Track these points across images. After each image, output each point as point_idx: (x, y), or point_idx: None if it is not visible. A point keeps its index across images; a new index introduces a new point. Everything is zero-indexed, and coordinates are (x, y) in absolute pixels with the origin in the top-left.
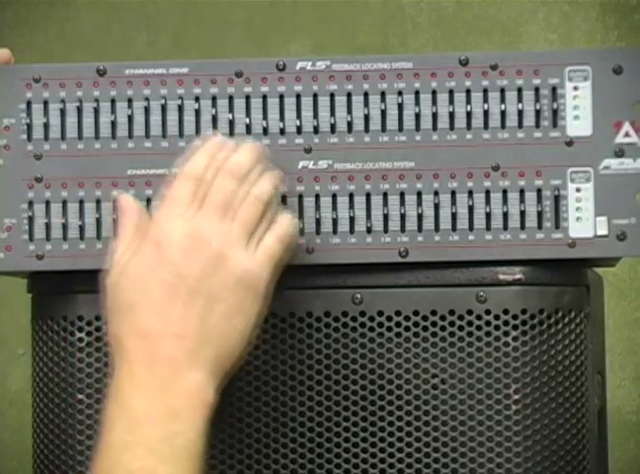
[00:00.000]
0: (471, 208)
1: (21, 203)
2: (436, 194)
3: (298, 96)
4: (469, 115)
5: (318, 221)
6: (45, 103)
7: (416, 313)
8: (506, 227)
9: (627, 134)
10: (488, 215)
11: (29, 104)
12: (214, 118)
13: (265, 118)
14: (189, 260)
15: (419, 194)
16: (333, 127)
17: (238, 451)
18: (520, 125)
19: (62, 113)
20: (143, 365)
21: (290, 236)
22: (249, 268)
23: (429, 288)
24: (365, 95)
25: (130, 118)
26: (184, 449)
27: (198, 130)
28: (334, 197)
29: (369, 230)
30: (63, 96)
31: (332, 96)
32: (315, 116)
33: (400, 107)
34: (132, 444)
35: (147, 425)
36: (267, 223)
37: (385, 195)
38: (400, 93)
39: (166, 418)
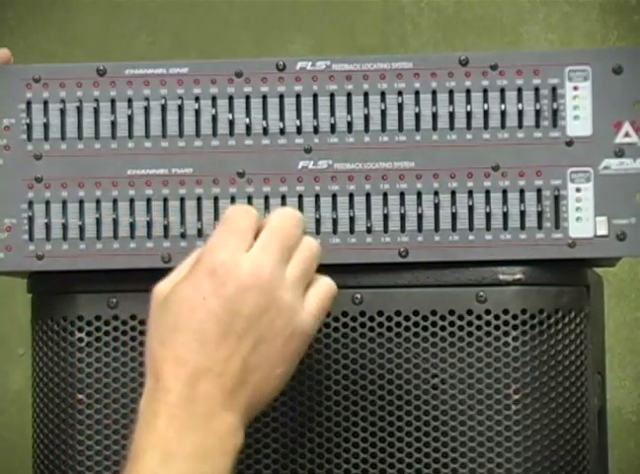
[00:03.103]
0: (471, 208)
1: (21, 203)
2: (436, 194)
3: (298, 96)
4: (469, 115)
5: (318, 221)
6: (45, 103)
7: (416, 313)
8: (506, 227)
9: (627, 134)
10: (488, 215)
11: (29, 104)
12: (214, 118)
13: (265, 118)
14: (245, 297)
15: (419, 194)
16: (333, 127)
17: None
18: (520, 125)
19: (62, 113)
20: (180, 398)
21: (336, 292)
22: (301, 316)
23: (429, 288)
24: (365, 95)
25: (130, 118)
26: None
27: (198, 130)
28: (334, 197)
29: (369, 230)
30: (63, 96)
31: (332, 96)
32: (315, 116)
33: (400, 107)
34: None
35: (180, 461)
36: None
37: (385, 195)
38: (400, 93)
39: (198, 457)
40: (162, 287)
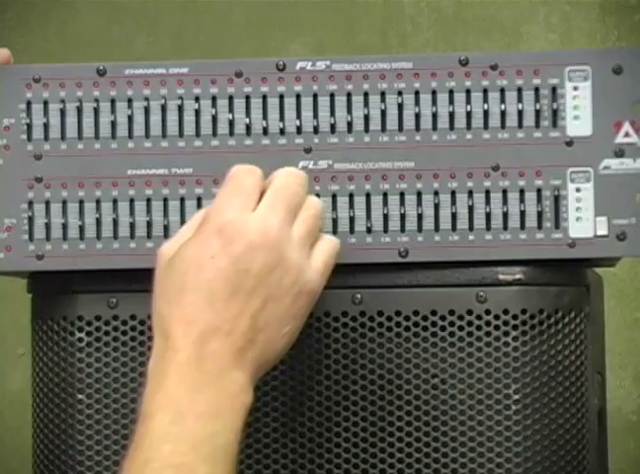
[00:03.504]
0: (471, 208)
1: (21, 203)
2: (436, 194)
3: (298, 96)
4: (469, 115)
5: None
6: (45, 103)
7: (416, 313)
8: (506, 227)
9: (627, 134)
10: (488, 215)
11: (29, 104)
12: (214, 118)
13: (265, 118)
14: (253, 255)
15: (419, 194)
16: (333, 127)
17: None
18: (520, 125)
19: (62, 113)
20: (191, 357)
21: (339, 247)
22: (308, 274)
23: (429, 288)
24: (365, 95)
25: (130, 118)
26: (223, 450)
27: (197, 130)
28: (334, 197)
29: (369, 230)
30: (63, 96)
31: (332, 96)
32: (315, 116)
33: (400, 107)
34: (175, 437)
35: (191, 419)
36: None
37: (385, 195)
38: (400, 93)
39: (210, 415)
40: (167, 248)
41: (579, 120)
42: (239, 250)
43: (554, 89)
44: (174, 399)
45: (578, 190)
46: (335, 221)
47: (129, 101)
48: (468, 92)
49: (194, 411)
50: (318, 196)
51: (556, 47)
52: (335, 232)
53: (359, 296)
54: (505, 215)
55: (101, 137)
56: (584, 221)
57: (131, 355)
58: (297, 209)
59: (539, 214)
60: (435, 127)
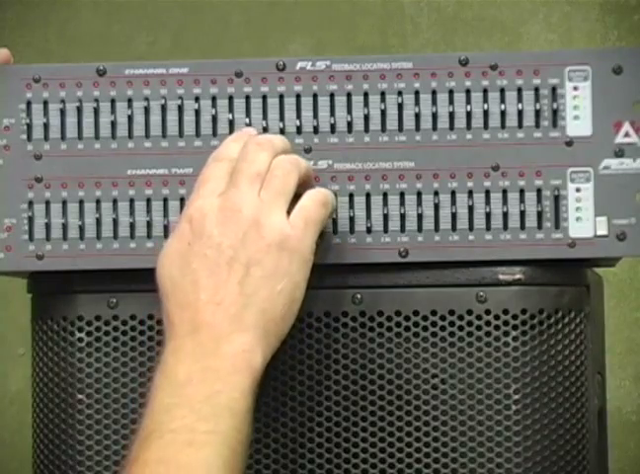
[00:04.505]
0: (471, 208)
1: (21, 203)
2: (436, 194)
3: (298, 96)
4: (469, 115)
5: None
6: (45, 103)
7: (416, 313)
8: (506, 227)
9: (627, 134)
10: (488, 215)
11: (29, 104)
12: (214, 118)
13: (265, 118)
14: (224, 230)
15: (419, 194)
16: (333, 127)
17: None
18: (520, 125)
19: (62, 113)
20: (186, 335)
21: (327, 198)
22: (283, 230)
23: (429, 288)
24: (365, 95)
25: (130, 118)
26: (226, 408)
27: (197, 130)
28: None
29: (369, 230)
30: (63, 96)
31: (332, 96)
32: (315, 116)
33: (400, 107)
34: (174, 406)
35: (188, 387)
36: (303, 190)
37: (385, 195)
38: (400, 93)
39: (208, 379)
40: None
41: (579, 120)
42: (209, 229)
43: (554, 89)
44: (171, 376)
45: (578, 190)
46: (335, 221)
47: (129, 101)
48: (468, 92)
49: (190, 380)
50: None
51: (556, 47)
52: (335, 232)
53: (359, 296)
54: (505, 215)
55: (101, 137)
56: (584, 221)
57: (131, 356)
58: (261, 175)
59: (539, 214)
60: (435, 127)
